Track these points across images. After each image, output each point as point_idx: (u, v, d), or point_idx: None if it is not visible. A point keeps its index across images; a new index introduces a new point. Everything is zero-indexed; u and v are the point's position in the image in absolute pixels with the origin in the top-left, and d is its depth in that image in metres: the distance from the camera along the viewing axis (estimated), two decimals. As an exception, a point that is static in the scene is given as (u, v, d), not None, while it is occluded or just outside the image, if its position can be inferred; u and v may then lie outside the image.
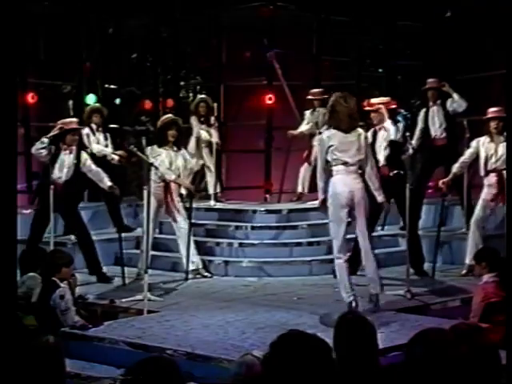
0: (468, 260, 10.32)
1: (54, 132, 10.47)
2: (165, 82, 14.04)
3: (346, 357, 4.38)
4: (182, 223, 10.59)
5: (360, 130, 8.41)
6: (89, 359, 7.45)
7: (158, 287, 9.89)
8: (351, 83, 13.64)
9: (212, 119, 12.67)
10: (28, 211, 11.32)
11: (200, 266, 10.72)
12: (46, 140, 10.39)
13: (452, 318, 7.67)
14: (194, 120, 12.69)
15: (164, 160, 10.37)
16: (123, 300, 9.22)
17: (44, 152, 10.30)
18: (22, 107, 12.97)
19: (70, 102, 13.20)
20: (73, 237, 11.42)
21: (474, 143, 10.52)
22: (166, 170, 10.32)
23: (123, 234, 11.14)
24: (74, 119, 10.87)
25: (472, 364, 4.19)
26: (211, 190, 12.56)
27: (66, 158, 10.38)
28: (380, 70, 14.78)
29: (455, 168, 10.46)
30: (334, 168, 8.33)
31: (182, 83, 14.16)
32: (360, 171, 8.39)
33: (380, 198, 8.51)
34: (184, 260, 10.61)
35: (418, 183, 11.03)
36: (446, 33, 13.20)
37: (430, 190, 12.50)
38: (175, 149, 10.49)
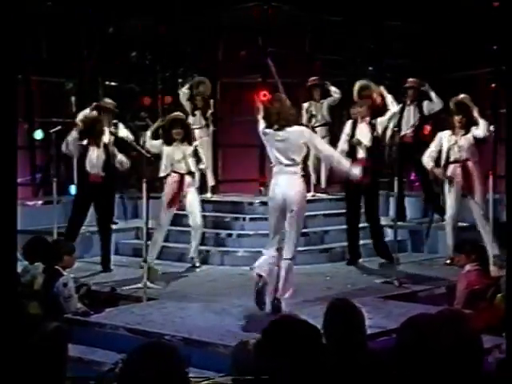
0: (451, 252, 10.70)
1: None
2: (163, 80, 14.20)
3: (336, 342, 4.55)
4: (197, 218, 10.76)
5: (293, 128, 8.13)
6: (90, 344, 7.62)
7: (157, 276, 9.94)
8: (343, 81, 13.83)
9: (209, 113, 12.93)
10: (32, 203, 11.55)
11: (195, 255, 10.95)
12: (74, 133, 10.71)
13: (437, 304, 7.81)
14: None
15: (169, 156, 10.59)
16: (124, 288, 9.38)
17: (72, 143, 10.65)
18: (26, 104, 13.16)
19: (73, 99, 13.40)
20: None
21: (437, 136, 10.75)
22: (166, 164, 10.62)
23: (123, 226, 11.44)
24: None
25: (456, 349, 4.17)
26: (210, 183, 12.83)
27: (95, 152, 10.63)
28: (371, 69, 14.97)
29: (426, 160, 10.73)
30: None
31: (180, 80, 14.33)
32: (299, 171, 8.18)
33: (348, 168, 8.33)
34: (193, 250, 10.83)
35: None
36: (435, 33, 13.37)
37: (416, 183, 12.79)
38: (185, 143, 10.66)
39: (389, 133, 11.17)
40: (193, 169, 10.70)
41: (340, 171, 8.63)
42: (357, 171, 8.43)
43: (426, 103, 12.01)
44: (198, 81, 12.75)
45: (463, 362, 4.28)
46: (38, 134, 12.25)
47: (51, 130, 11.60)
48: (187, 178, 10.65)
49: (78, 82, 13.66)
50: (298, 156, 8.14)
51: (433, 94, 11.84)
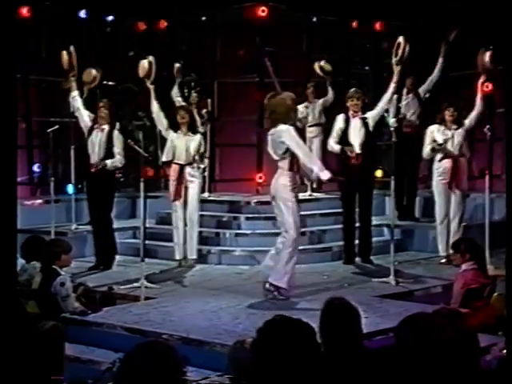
0: (441, 251, 10.75)
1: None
2: (161, 79, 14.23)
3: (332, 341, 4.59)
4: (193, 212, 10.77)
5: (280, 127, 8.59)
6: (88, 343, 7.64)
7: (154, 275, 10.07)
8: (340, 80, 13.89)
9: (203, 111, 12.89)
10: (29, 202, 11.57)
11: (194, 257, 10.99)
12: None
13: (434, 303, 7.78)
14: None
15: (172, 144, 10.66)
16: (121, 287, 9.40)
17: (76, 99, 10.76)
18: (24, 103, 13.14)
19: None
20: (73, 226, 11.76)
21: (429, 131, 10.83)
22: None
23: (121, 225, 11.47)
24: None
25: (453, 347, 4.34)
26: None
27: (98, 136, 10.69)
28: (367, 68, 15.05)
29: (427, 153, 10.85)
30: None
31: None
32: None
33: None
34: (192, 248, 10.83)
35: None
36: (430, 33, 13.41)
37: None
38: (190, 134, 10.72)
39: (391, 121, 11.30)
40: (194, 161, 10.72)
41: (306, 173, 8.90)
42: (326, 176, 8.67)
43: (421, 89, 12.04)
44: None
45: (460, 360, 4.35)
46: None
47: (49, 130, 11.64)
48: (187, 169, 10.66)
49: (76, 81, 13.71)
50: (282, 152, 8.59)
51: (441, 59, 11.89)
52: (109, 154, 10.60)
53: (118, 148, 10.64)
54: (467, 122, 10.73)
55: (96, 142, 10.63)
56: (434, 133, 10.75)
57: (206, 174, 12.73)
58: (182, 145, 10.65)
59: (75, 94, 10.77)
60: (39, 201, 12.05)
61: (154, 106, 10.75)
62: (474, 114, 10.69)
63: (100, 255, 10.81)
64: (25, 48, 12.58)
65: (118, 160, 10.64)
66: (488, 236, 10.07)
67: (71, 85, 10.80)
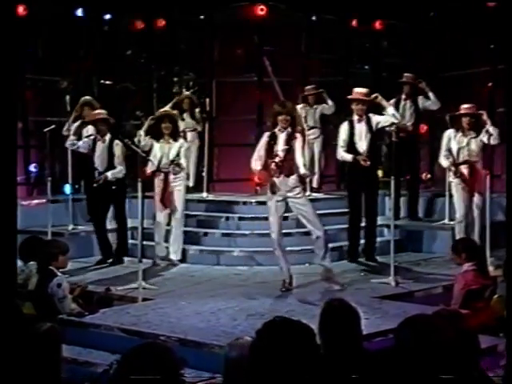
0: None
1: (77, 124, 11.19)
2: (159, 78, 14.24)
3: (331, 342, 4.54)
4: (179, 214, 10.86)
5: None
6: (85, 345, 7.61)
7: (152, 275, 10.05)
8: (339, 80, 13.87)
9: (196, 112, 12.98)
10: (26, 202, 11.53)
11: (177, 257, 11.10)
12: (72, 137, 11.05)
13: (434, 304, 7.73)
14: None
15: (156, 153, 10.70)
16: (119, 288, 9.38)
17: (77, 146, 11.07)
18: (21, 102, 13.13)
19: (67, 97, 13.43)
20: (70, 227, 11.72)
21: (445, 136, 10.80)
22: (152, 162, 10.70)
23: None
24: (102, 111, 11.16)
25: (454, 348, 4.31)
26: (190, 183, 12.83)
27: (100, 147, 10.90)
28: (366, 68, 15.04)
29: (447, 161, 10.76)
30: None
31: (175, 79, 14.39)
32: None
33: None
34: (166, 248, 10.95)
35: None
36: (430, 32, 13.41)
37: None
38: (171, 141, 10.76)
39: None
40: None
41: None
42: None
43: (420, 98, 12.02)
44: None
45: (460, 361, 4.30)
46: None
47: (45, 129, 11.62)
48: (171, 176, 10.71)
49: (73, 80, 13.70)
50: None
51: (430, 93, 11.86)
52: (111, 164, 10.83)
53: (118, 158, 10.85)
54: (493, 141, 10.54)
55: (99, 154, 10.84)
56: (451, 140, 10.67)
57: (205, 174, 12.79)
58: (163, 153, 10.72)
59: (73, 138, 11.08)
60: (36, 201, 12.03)
61: (141, 136, 10.80)
62: (493, 142, 10.60)
63: (107, 251, 11.07)
64: (22, 47, 12.56)
65: (118, 171, 10.85)
66: (488, 236, 10.02)
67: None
